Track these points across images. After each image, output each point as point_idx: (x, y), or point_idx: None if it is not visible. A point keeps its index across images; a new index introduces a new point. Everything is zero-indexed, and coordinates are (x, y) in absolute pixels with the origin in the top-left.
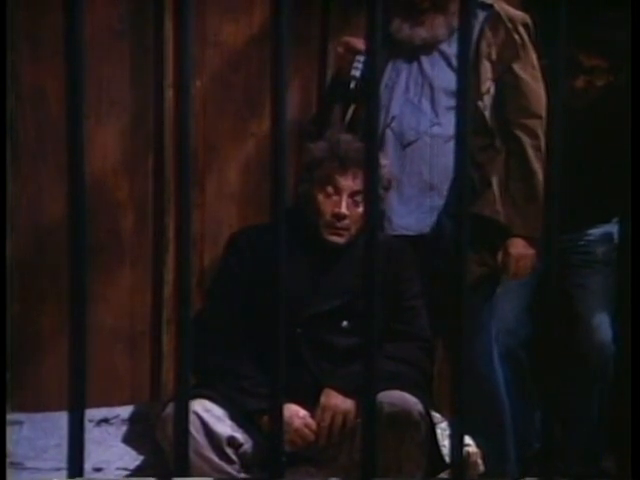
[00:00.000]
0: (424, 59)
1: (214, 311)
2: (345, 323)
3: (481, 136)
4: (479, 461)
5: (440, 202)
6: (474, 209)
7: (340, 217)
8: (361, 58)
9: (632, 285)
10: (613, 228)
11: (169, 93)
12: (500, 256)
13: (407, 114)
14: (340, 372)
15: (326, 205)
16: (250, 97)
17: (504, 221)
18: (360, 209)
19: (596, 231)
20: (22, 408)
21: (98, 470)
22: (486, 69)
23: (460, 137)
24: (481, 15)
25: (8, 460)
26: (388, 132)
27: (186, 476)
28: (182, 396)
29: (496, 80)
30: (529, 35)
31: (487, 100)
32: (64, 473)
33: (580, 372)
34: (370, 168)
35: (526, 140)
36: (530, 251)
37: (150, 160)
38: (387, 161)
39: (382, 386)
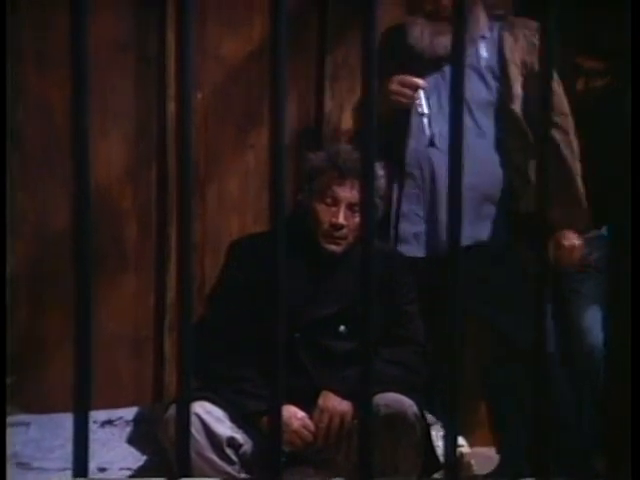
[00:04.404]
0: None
1: (215, 316)
2: (342, 328)
3: (517, 138)
4: (472, 462)
5: (494, 210)
6: (519, 208)
7: (338, 227)
8: (422, 94)
9: (632, 285)
10: (606, 233)
11: (171, 105)
12: (552, 249)
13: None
14: (337, 375)
15: (324, 215)
16: (250, 109)
17: (549, 216)
18: (357, 219)
19: (589, 236)
20: (28, 410)
21: (102, 470)
22: (514, 73)
23: (454, 145)
24: (496, 25)
25: (15, 460)
26: (433, 151)
27: (188, 476)
28: (184, 398)
29: (524, 83)
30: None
31: (518, 103)
32: (69, 473)
33: (571, 374)
34: (367, 178)
35: (558, 137)
36: (580, 241)
37: (153, 170)
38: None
39: (378, 388)
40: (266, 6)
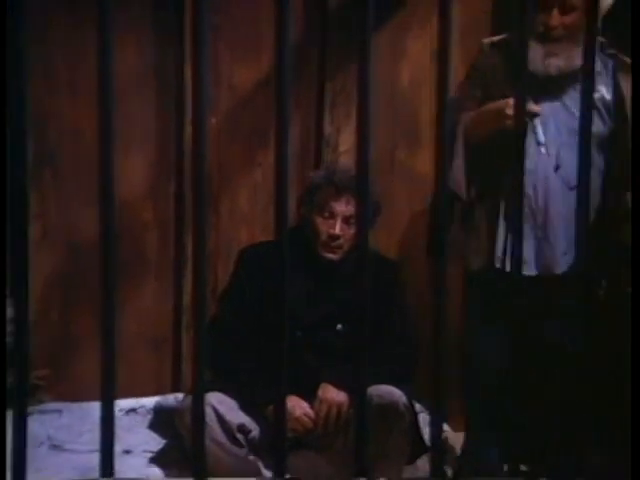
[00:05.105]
0: (567, 100)
1: (226, 316)
2: (339, 326)
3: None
4: (455, 445)
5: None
6: (620, 237)
7: (334, 238)
8: (539, 121)
9: (633, 288)
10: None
11: (188, 129)
12: None
13: (568, 159)
14: (335, 369)
15: (323, 227)
16: (258, 131)
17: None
18: (353, 230)
19: None
20: (61, 398)
21: (127, 452)
22: (629, 113)
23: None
24: (610, 63)
25: (49, 443)
26: (554, 177)
27: (203, 462)
28: (199, 390)
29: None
30: None
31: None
32: (96, 455)
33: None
34: (362, 194)
35: None
36: None
37: (172, 186)
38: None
39: (372, 381)
40: (272, 40)
